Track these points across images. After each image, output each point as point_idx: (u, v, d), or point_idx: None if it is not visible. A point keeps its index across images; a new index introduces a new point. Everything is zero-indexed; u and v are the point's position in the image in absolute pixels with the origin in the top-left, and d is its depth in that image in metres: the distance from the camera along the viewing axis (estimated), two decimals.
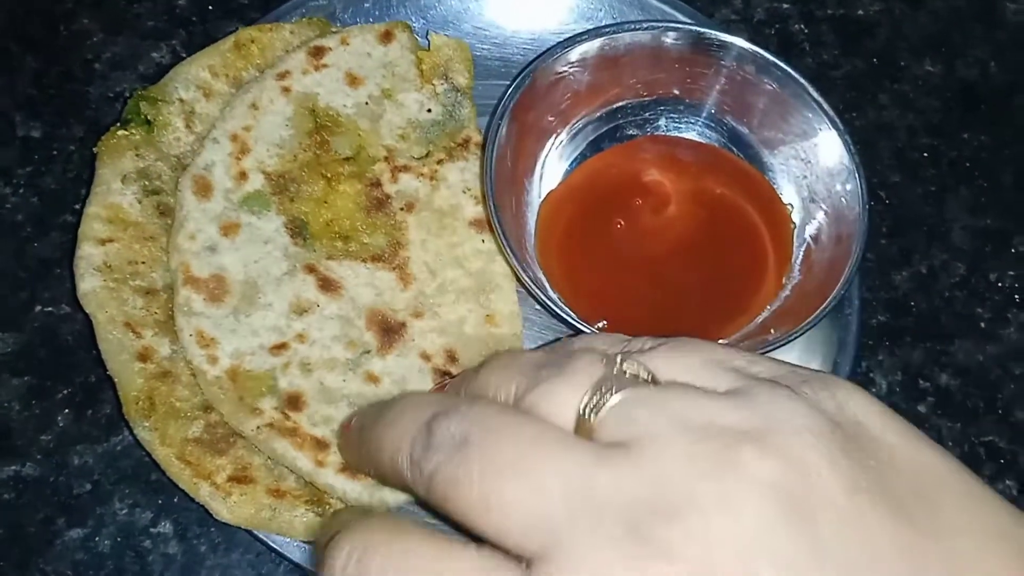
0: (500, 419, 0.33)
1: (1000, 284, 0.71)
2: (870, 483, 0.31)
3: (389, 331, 0.60)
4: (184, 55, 0.72)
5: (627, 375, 0.34)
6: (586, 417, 0.33)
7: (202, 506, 0.56)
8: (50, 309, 0.65)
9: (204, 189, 0.61)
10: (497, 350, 0.61)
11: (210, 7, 0.74)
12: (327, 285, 0.61)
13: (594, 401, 0.33)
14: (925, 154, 0.75)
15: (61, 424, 0.62)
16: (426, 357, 0.60)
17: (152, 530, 0.60)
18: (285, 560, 0.57)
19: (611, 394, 0.33)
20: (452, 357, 0.60)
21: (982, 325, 0.69)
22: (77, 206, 0.67)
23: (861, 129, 0.75)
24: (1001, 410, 0.67)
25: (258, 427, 0.56)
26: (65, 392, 0.63)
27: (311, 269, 0.61)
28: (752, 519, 0.29)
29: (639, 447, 0.31)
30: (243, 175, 0.62)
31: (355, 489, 0.55)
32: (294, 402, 0.57)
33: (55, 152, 0.69)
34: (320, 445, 0.56)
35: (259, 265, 0.60)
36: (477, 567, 0.31)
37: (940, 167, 0.75)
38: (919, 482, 0.32)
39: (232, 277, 0.60)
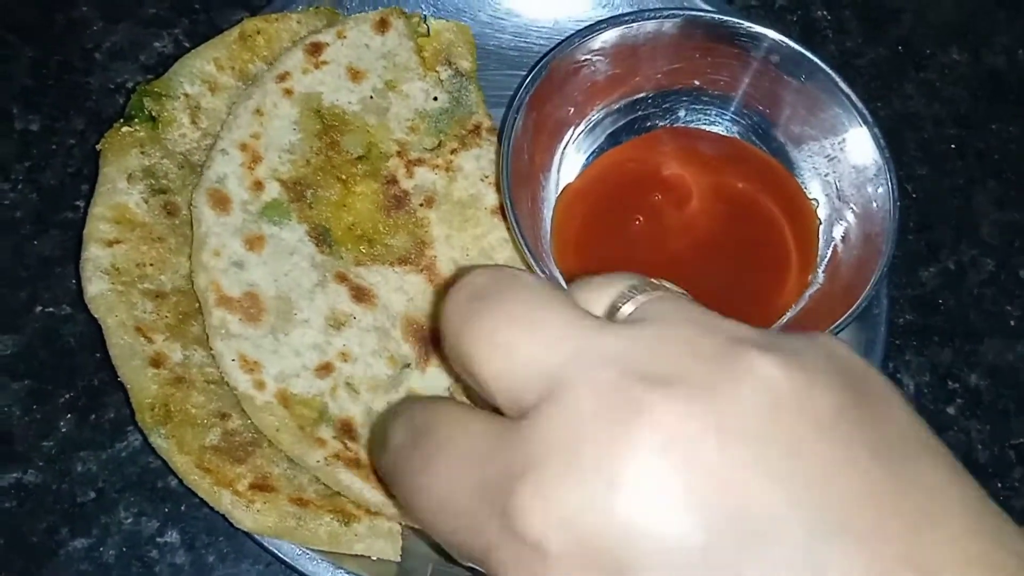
0: (521, 278, 0.35)
1: None
2: (861, 420, 0.30)
3: (425, 341, 0.58)
4: (187, 44, 0.69)
5: (660, 285, 0.36)
6: (615, 307, 0.34)
7: (210, 515, 0.54)
8: (51, 310, 0.62)
9: (221, 203, 0.58)
10: None
11: None
12: (360, 295, 0.59)
13: (624, 296, 0.34)
14: (952, 146, 0.73)
15: (63, 429, 0.60)
16: None
17: (159, 540, 0.58)
18: (296, 572, 0.55)
19: (642, 294, 0.34)
20: None
21: (1012, 323, 0.67)
22: (78, 202, 0.65)
23: (886, 119, 0.72)
24: None
25: (325, 459, 0.54)
26: (67, 396, 0.61)
27: (342, 278, 0.59)
28: (740, 404, 0.29)
29: (649, 323, 0.32)
30: (258, 185, 0.60)
31: None
32: (348, 430, 0.55)
33: (54, 146, 0.66)
34: None
35: (289, 278, 0.58)
36: (486, 422, 0.33)
37: (967, 159, 0.72)
38: (910, 448, 0.31)
39: (265, 293, 0.57)
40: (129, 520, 0.58)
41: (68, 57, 0.69)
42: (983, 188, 0.71)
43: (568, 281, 0.60)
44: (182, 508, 0.58)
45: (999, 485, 0.63)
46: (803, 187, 0.63)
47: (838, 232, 0.61)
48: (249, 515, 0.53)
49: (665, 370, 0.30)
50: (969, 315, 0.67)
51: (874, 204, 0.59)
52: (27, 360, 0.61)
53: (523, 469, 0.30)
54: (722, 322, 0.33)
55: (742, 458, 0.29)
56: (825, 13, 0.76)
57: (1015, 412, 0.65)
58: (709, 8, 0.65)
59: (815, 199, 0.63)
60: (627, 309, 0.34)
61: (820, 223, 0.63)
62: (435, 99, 0.64)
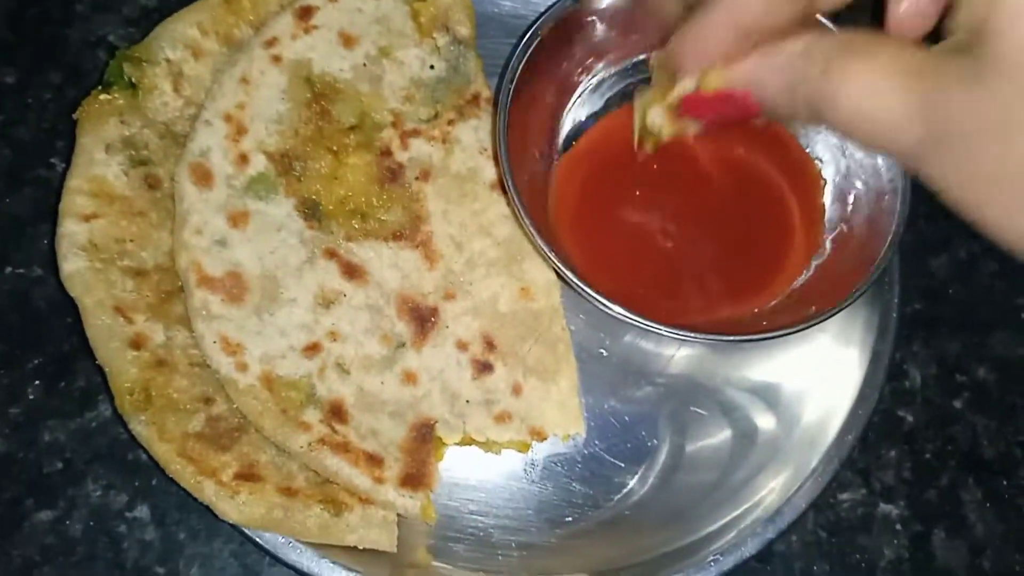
0: None
1: None
2: None
3: (421, 319, 0.56)
4: None
5: None
6: None
7: (182, 490, 0.51)
8: (21, 271, 0.60)
9: (204, 177, 0.56)
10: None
11: None
12: (351, 271, 0.56)
13: None
14: None
15: (31, 396, 0.57)
16: (463, 346, 0.56)
17: (127, 514, 0.56)
18: (269, 555, 0.52)
19: None
20: (490, 344, 0.56)
21: (1023, 316, 0.65)
22: (53, 160, 0.62)
23: None
24: None
25: (309, 444, 0.52)
26: (36, 362, 0.58)
27: (331, 254, 0.56)
28: None
29: None
30: (243, 158, 0.57)
31: (415, 505, 0.52)
32: (337, 412, 0.53)
33: (30, 101, 0.64)
34: (374, 460, 0.52)
35: (276, 255, 0.56)
36: None
37: None
38: None
39: (249, 272, 0.55)
40: (97, 493, 0.56)
41: (47, 8, 0.66)
42: None
43: (567, 249, 0.57)
44: (153, 482, 0.56)
45: (1004, 483, 0.61)
46: (806, 148, 0.61)
47: (850, 198, 0.59)
48: (234, 506, 0.50)
49: None
50: (979, 306, 0.65)
51: (882, 164, 0.56)
52: None
53: None
54: None
55: None
56: None
57: (1023, 408, 0.63)
58: None
59: (819, 158, 0.60)
60: None
61: (825, 183, 0.60)
62: (432, 67, 0.61)
